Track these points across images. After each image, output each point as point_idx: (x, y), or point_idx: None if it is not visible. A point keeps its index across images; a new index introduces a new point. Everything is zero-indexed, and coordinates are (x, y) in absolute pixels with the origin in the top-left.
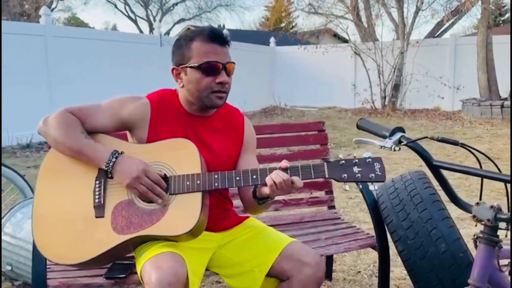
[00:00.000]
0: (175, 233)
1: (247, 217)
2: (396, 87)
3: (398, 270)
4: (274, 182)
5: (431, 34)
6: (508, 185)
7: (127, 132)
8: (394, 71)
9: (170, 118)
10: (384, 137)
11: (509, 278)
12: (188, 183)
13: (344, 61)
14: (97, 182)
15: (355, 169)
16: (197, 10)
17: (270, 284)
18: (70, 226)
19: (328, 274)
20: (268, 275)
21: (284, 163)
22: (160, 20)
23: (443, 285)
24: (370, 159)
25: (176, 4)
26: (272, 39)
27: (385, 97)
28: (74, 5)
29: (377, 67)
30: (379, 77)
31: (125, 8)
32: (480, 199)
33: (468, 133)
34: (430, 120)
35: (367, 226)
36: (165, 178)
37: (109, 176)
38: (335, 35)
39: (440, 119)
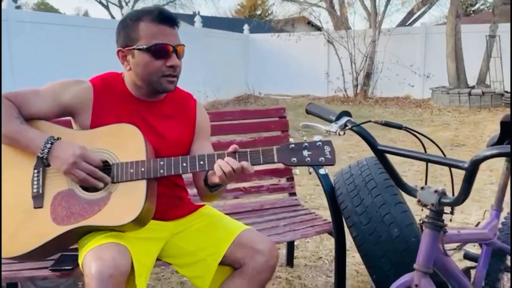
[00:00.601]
0: (118, 223)
1: (203, 205)
2: (368, 76)
3: (358, 256)
4: (223, 171)
5: (403, 23)
6: (452, 169)
7: (71, 119)
8: (366, 60)
9: (116, 103)
10: (331, 121)
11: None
12: (132, 170)
13: (317, 49)
14: (35, 171)
15: (305, 153)
16: None
17: (224, 272)
18: (9, 219)
19: (290, 260)
20: (222, 263)
21: (233, 147)
22: (132, 7)
23: (395, 270)
24: (320, 143)
25: None
26: (245, 26)
27: (357, 86)
28: None
29: (349, 55)
30: (351, 65)
31: None
32: (426, 184)
33: (436, 120)
34: (400, 107)
35: None
36: (107, 166)
37: (46, 164)
38: (309, 23)
39: (410, 107)
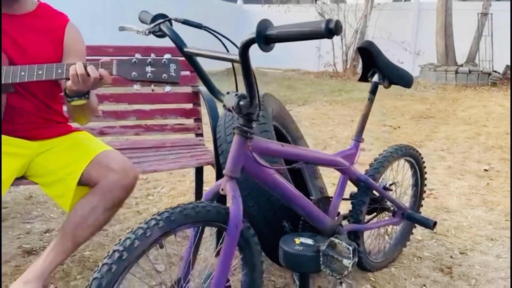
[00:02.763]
0: None
1: (75, 130)
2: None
3: None
4: (76, 73)
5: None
6: (236, 65)
7: None
8: (357, 34)
9: None
10: (145, 23)
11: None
12: None
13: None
14: None
15: (148, 68)
16: None
17: (83, 191)
18: None
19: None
20: (80, 183)
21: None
22: None
23: (258, 206)
24: (166, 60)
25: None
26: None
27: (346, 61)
28: None
29: None
30: (341, 40)
31: None
32: (237, 90)
33: (417, 95)
34: None
35: None
36: None
37: None
38: None
39: None
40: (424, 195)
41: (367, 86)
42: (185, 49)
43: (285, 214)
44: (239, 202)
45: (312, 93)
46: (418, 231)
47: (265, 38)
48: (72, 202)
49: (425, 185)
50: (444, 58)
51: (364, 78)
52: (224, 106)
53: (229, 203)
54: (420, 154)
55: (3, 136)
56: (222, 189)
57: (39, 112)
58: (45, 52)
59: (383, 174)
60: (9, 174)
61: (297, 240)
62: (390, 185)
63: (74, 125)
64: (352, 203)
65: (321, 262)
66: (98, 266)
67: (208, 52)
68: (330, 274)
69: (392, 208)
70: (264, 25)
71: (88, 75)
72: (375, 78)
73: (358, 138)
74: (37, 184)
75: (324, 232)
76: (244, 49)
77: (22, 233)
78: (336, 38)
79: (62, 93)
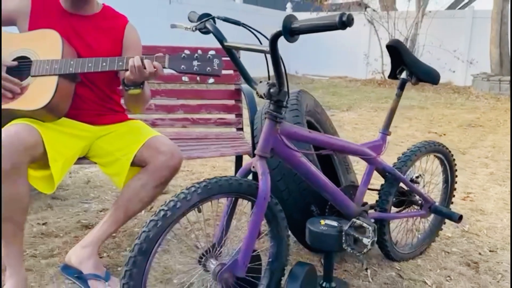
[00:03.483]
0: (30, 108)
1: (131, 119)
2: None
3: None
4: (134, 64)
5: (453, 7)
6: (268, 56)
7: (17, 27)
8: (407, 42)
9: (50, 15)
10: (192, 21)
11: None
12: (47, 67)
13: (358, 29)
14: None
15: (195, 62)
16: None
17: (135, 171)
18: None
19: None
20: (133, 164)
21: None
22: None
23: (289, 191)
24: (210, 55)
25: None
26: (288, 5)
27: None
28: None
29: (389, 36)
30: None
31: None
32: (269, 79)
33: (468, 104)
34: (436, 93)
35: None
36: (27, 61)
37: None
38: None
39: (447, 92)
40: (461, 197)
41: (415, 94)
42: (225, 43)
43: (313, 199)
44: (268, 178)
45: (357, 99)
46: (449, 229)
47: (290, 30)
48: (126, 180)
49: (456, 182)
50: (498, 67)
51: (393, 75)
52: (257, 93)
53: (259, 179)
54: (450, 151)
55: (69, 120)
56: (253, 167)
57: (100, 101)
58: (107, 48)
59: (411, 167)
60: (73, 153)
61: (323, 222)
62: (417, 177)
63: (129, 116)
64: (379, 193)
65: (343, 241)
66: (146, 222)
67: (243, 45)
68: (351, 252)
69: (420, 201)
70: (289, 19)
71: (144, 67)
72: (403, 75)
73: (385, 131)
74: (96, 163)
75: (349, 217)
76: (272, 41)
77: (80, 211)
78: (384, 45)
79: (121, 86)
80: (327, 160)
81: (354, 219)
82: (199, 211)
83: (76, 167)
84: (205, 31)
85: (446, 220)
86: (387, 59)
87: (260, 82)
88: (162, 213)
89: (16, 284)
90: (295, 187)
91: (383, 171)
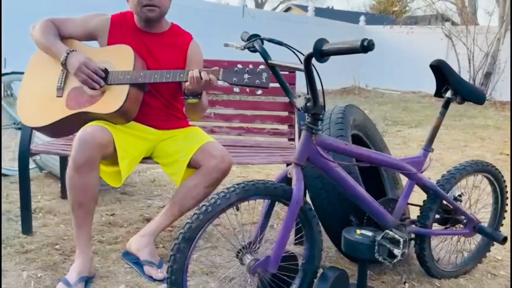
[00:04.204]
0: (104, 111)
1: (191, 125)
2: (487, 76)
3: None
4: (193, 76)
5: None
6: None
7: (97, 42)
8: (487, 58)
9: (126, 32)
10: (243, 40)
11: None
12: (120, 77)
13: (434, 44)
14: (61, 71)
15: (245, 75)
16: None
17: (191, 172)
18: (39, 101)
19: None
20: (189, 165)
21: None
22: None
23: (329, 200)
24: (260, 70)
25: None
26: (362, 18)
27: (474, 85)
28: None
29: (467, 52)
30: (469, 63)
31: None
32: (308, 94)
33: None
34: None
35: None
36: (106, 72)
37: (65, 68)
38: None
39: None
40: None
41: (494, 113)
42: (269, 61)
43: (352, 209)
44: (301, 184)
45: (428, 116)
46: (500, 252)
47: (320, 52)
48: (182, 179)
49: (507, 204)
50: None
51: (438, 94)
52: (295, 106)
53: (293, 184)
54: (499, 172)
55: (137, 123)
56: (289, 173)
57: (165, 108)
58: (172, 62)
59: (455, 185)
60: (139, 152)
61: (358, 231)
62: (459, 196)
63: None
64: (420, 208)
65: (375, 250)
66: (191, 215)
67: (283, 63)
68: (383, 261)
69: (465, 220)
70: (320, 42)
71: (201, 78)
72: (448, 94)
73: (427, 147)
74: (158, 163)
75: (385, 229)
76: (306, 61)
77: (144, 206)
78: (463, 61)
79: (182, 96)
80: (376, 174)
81: (387, 231)
82: (237, 209)
83: (144, 167)
84: (253, 50)
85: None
86: (465, 75)
87: (299, 96)
88: (204, 208)
89: (83, 263)
90: (335, 196)
91: (425, 187)
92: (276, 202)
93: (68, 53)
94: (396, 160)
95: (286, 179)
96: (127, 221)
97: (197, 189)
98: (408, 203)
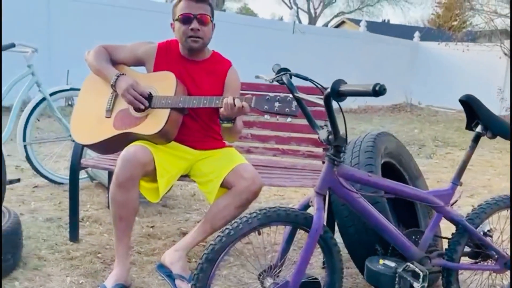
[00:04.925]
0: (147, 133)
1: (227, 146)
2: None
3: None
4: (227, 103)
5: None
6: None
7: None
8: None
9: (171, 59)
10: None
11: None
12: (163, 101)
13: (493, 62)
14: (111, 94)
15: (276, 104)
16: (359, 4)
17: (223, 192)
18: (90, 121)
19: None
20: (222, 185)
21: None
22: (319, 13)
23: (355, 228)
24: (290, 98)
25: None
26: (416, 34)
27: None
28: None
29: None
30: None
31: (289, 0)
32: (332, 126)
33: None
34: None
35: None
36: (150, 96)
37: (114, 90)
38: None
39: None
40: None
41: None
42: (295, 94)
43: (378, 238)
44: (321, 213)
45: (482, 138)
46: None
47: (337, 93)
48: (215, 197)
49: None
50: None
51: (469, 127)
52: (318, 138)
53: (314, 213)
54: None
55: (177, 144)
56: (311, 202)
57: (203, 130)
58: (211, 88)
59: (485, 220)
60: (177, 171)
61: (381, 261)
62: (489, 231)
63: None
64: (448, 241)
65: (396, 282)
66: (215, 237)
67: (308, 97)
68: None
69: (495, 255)
70: (337, 83)
71: (235, 105)
72: (478, 128)
73: (456, 181)
74: (194, 181)
75: (409, 260)
76: (326, 98)
77: (182, 220)
78: None
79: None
80: (410, 202)
81: (408, 263)
82: (259, 233)
83: (185, 182)
84: (281, 83)
85: None
86: None
87: (322, 128)
88: (227, 231)
89: (121, 271)
90: (361, 224)
91: (453, 221)
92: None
93: (118, 76)
94: (423, 193)
95: (308, 206)
96: (165, 234)
97: (228, 209)
98: (436, 236)
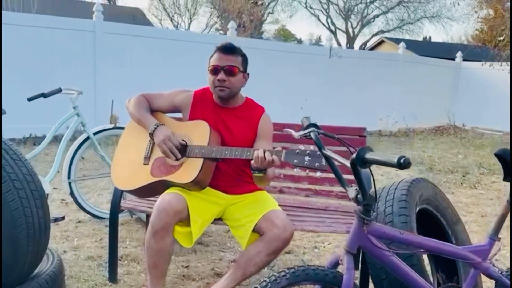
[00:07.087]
0: (182, 181)
1: (259, 189)
2: None
3: None
4: (257, 155)
5: None
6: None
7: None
8: None
9: (205, 107)
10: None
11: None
12: (196, 151)
13: None
14: (149, 142)
15: (306, 158)
16: (399, 22)
17: (256, 237)
18: (129, 167)
19: None
20: (254, 230)
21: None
22: (358, 33)
23: (389, 281)
24: (320, 153)
25: (378, 16)
26: (459, 54)
27: None
28: (282, 17)
29: None
30: None
31: (326, 21)
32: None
33: None
34: None
35: None
36: (185, 145)
37: (152, 138)
38: None
39: None
40: None
41: None
42: (323, 151)
43: None
44: (352, 272)
45: None
46: None
47: (362, 160)
48: (248, 243)
49: None
50: None
51: (507, 179)
52: (347, 196)
53: (344, 273)
54: None
55: (210, 189)
56: (341, 260)
57: (236, 174)
58: (245, 134)
59: None
60: (210, 215)
61: None
62: None
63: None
64: None
65: None
66: None
67: (335, 156)
68: None
69: None
70: (363, 151)
71: (265, 158)
72: None
73: (493, 236)
74: (227, 225)
75: None
76: (352, 164)
77: (216, 259)
78: None
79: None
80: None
81: None
82: None
83: None
84: (309, 138)
85: None
86: None
87: (351, 186)
88: None
89: None
90: (395, 278)
91: (491, 277)
92: None
93: (156, 126)
94: (457, 249)
95: (338, 264)
96: (199, 275)
97: (259, 256)
98: None
